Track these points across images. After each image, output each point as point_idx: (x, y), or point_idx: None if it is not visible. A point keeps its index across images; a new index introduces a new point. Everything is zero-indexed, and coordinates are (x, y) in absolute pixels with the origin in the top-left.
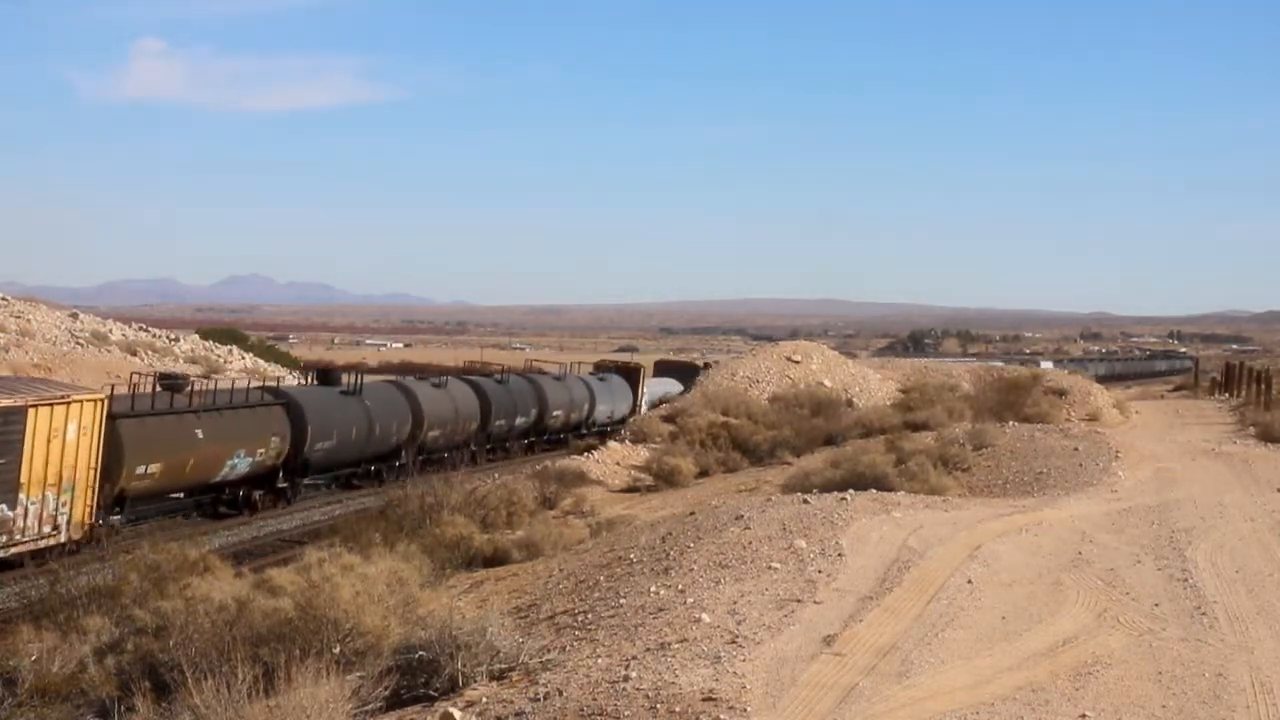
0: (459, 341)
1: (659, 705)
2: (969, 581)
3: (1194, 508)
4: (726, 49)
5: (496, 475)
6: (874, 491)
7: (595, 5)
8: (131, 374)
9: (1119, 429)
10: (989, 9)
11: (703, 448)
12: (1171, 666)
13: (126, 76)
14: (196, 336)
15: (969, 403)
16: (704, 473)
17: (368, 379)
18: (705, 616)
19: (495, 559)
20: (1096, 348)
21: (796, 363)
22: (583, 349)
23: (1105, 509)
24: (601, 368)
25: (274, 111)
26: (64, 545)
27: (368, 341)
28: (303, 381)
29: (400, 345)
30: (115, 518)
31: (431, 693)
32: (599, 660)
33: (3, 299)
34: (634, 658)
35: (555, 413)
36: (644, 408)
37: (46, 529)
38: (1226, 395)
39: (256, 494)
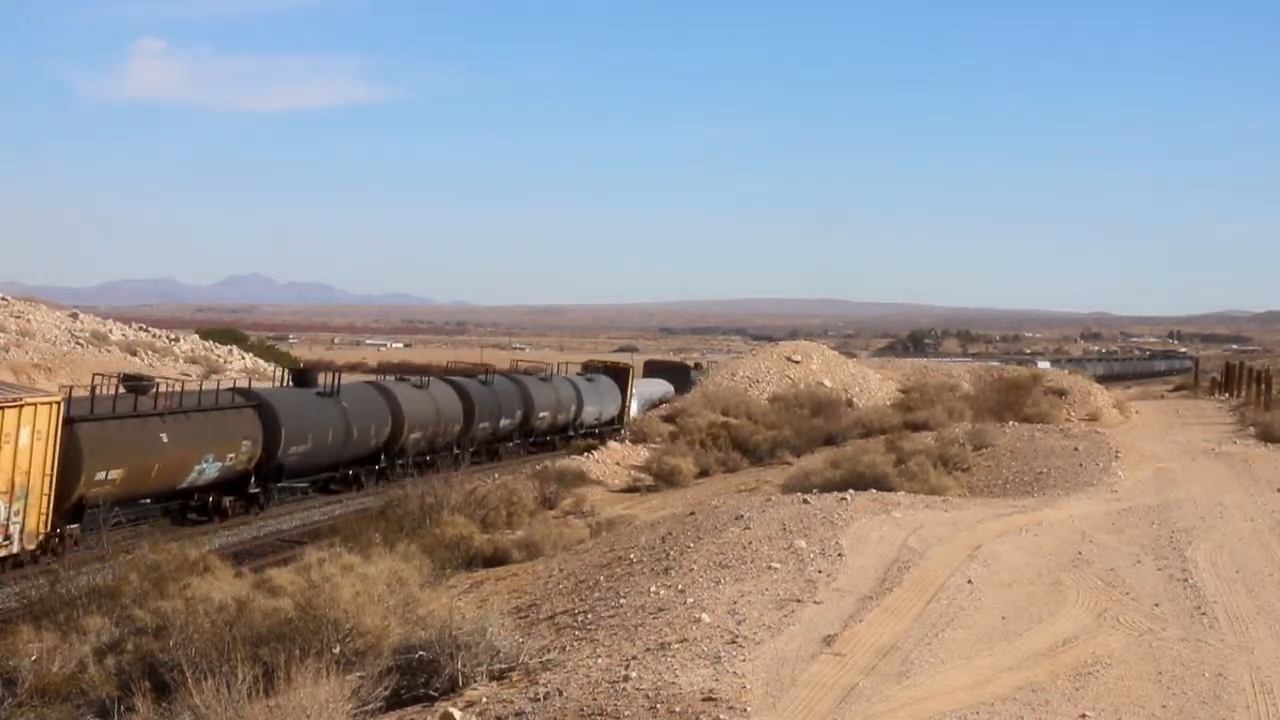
0: (459, 341)
1: (659, 705)
2: (969, 581)
3: (1194, 508)
4: (726, 49)
5: (497, 475)
6: (874, 491)
7: (595, 5)
8: (93, 375)
9: (1119, 429)
10: (989, 9)
11: (703, 448)
12: (1171, 666)
13: (126, 76)
14: (196, 336)
15: (969, 403)
16: (704, 473)
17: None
18: (705, 616)
19: (495, 559)
20: (1096, 348)
21: (796, 363)
22: (583, 349)
23: (1105, 509)
24: (590, 368)
25: (274, 111)
26: (17, 556)
27: (368, 341)
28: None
29: (400, 345)
30: (73, 527)
31: (431, 693)
32: (599, 660)
33: (3, 299)
34: (634, 658)
35: (541, 414)
36: (633, 409)
37: None
38: (1226, 395)
39: (227, 500)
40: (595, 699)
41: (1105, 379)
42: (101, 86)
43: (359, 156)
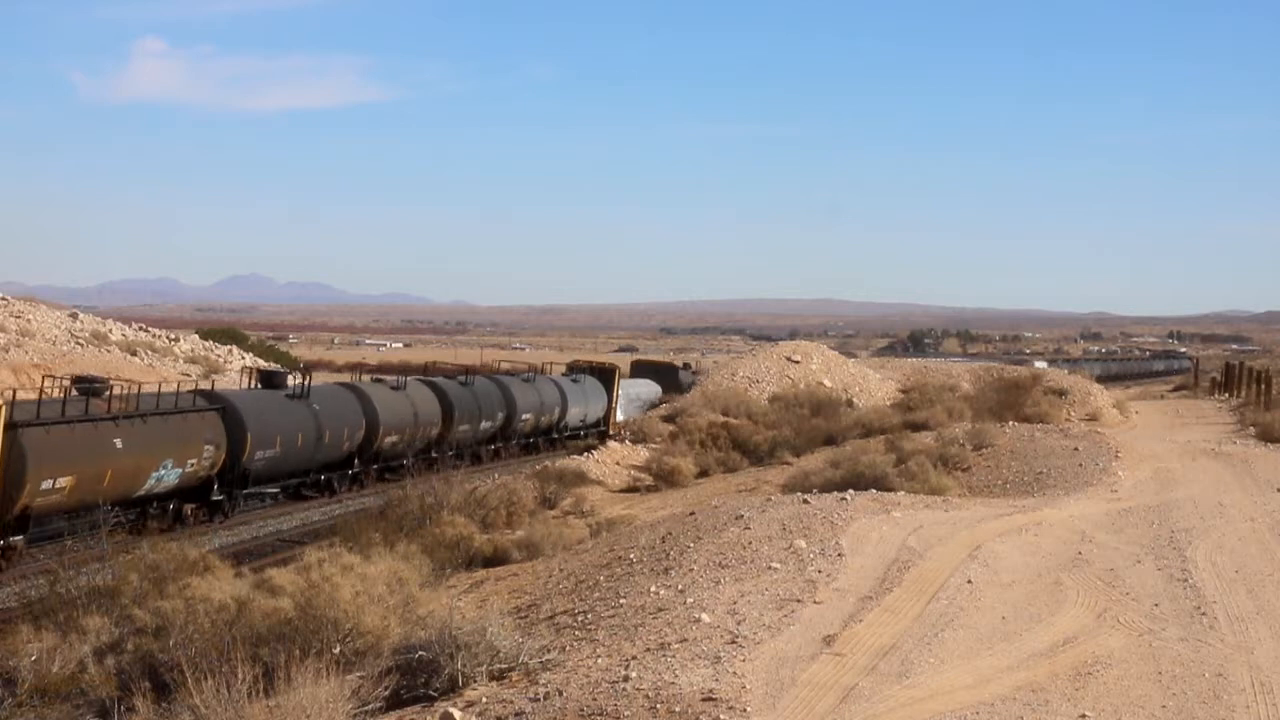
0: (459, 341)
1: (659, 705)
2: (969, 581)
3: (1194, 508)
4: (727, 49)
5: (496, 475)
6: (874, 491)
7: (595, 5)
8: (42, 377)
9: (1119, 429)
10: (990, 9)
11: (703, 448)
12: (1171, 666)
13: (127, 76)
14: (196, 336)
15: (969, 403)
16: (704, 473)
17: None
18: (705, 616)
19: (495, 559)
20: (1096, 348)
21: (796, 363)
22: (583, 349)
23: (1105, 509)
24: (575, 368)
25: (274, 111)
26: None
27: (367, 341)
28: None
29: (400, 345)
30: (17, 539)
31: (431, 693)
32: (599, 660)
33: (3, 299)
34: (634, 658)
35: (524, 416)
36: (620, 410)
37: None
38: (1226, 395)
39: (188, 507)
40: (595, 699)
41: (1105, 379)
42: (102, 86)
43: (359, 156)
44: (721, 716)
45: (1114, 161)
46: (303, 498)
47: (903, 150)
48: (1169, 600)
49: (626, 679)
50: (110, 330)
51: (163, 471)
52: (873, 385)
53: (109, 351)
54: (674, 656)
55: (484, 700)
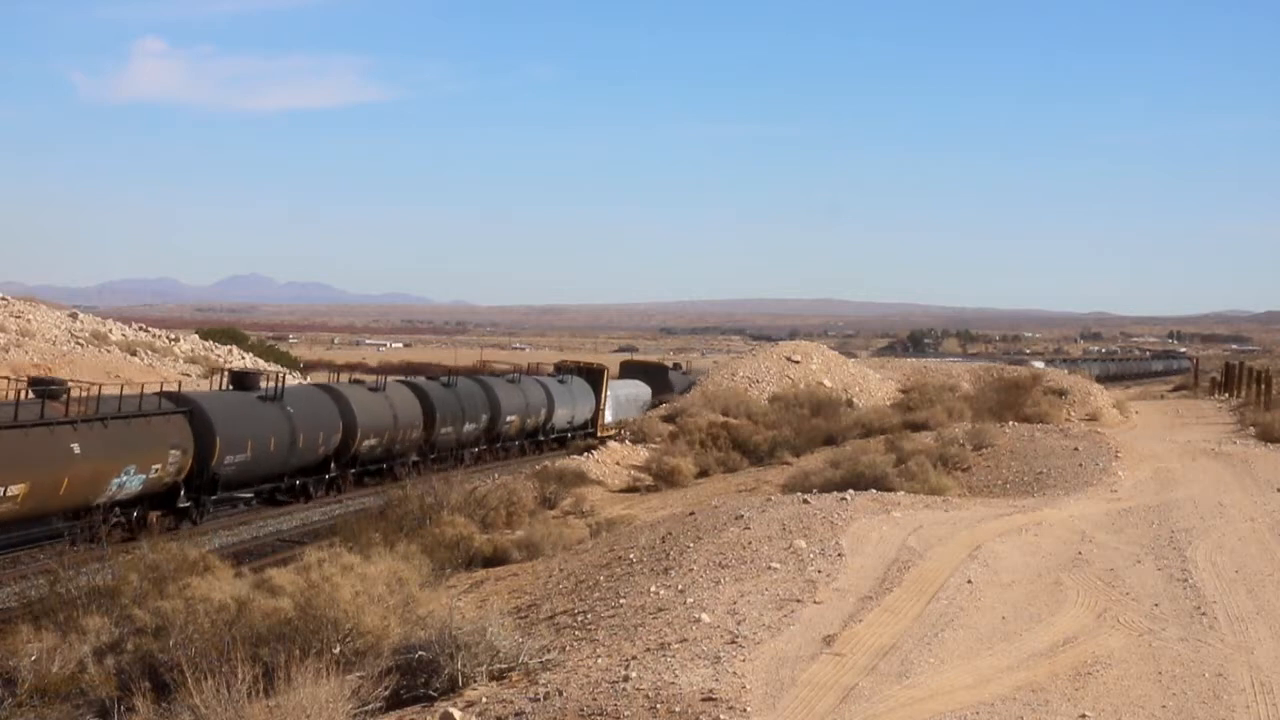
0: (459, 341)
1: (659, 705)
2: (969, 581)
3: (1194, 508)
4: (727, 49)
5: (496, 475)
6: (874, 491)
7: (595, 5)
8: None
9: (1119, 429)
10: (990, 9)
11: (702, 448)
12: (1171, 666)
13: (127, 76)
14: (196, 336)
15: (969, 403)
16: (704, 473)
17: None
18: (705, 616)
19: (495, 559)
20: (1096, 348)
21: (796, 363)
22: (583, 349)
23: (1105, 509)
24: (562, 369)
25: (274, 111)
26: None
27: (367, 341)
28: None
29: (400, 345)
30: None
31: (431, 693)
32: (599, 660)
33: (3, 299)
34: (634, 658)
35: (509, 418)
36: (608, 412)
37: None
38: (1226, 395)
39: (153, 515)
40: (595, 699)
41: (1105, 379)
42: (102, 86)
43: (359, 156)
44: (721, 716)
45: (1114, 161)
46: (277, 503)
47: (903, 150)
48: (1169, 600)
49: (626, 679)
50: (110, 330)
51: (124, 478)
52: (873, 385)
53: (109, 352)
54: (674, 656)
55: (484, 700)
